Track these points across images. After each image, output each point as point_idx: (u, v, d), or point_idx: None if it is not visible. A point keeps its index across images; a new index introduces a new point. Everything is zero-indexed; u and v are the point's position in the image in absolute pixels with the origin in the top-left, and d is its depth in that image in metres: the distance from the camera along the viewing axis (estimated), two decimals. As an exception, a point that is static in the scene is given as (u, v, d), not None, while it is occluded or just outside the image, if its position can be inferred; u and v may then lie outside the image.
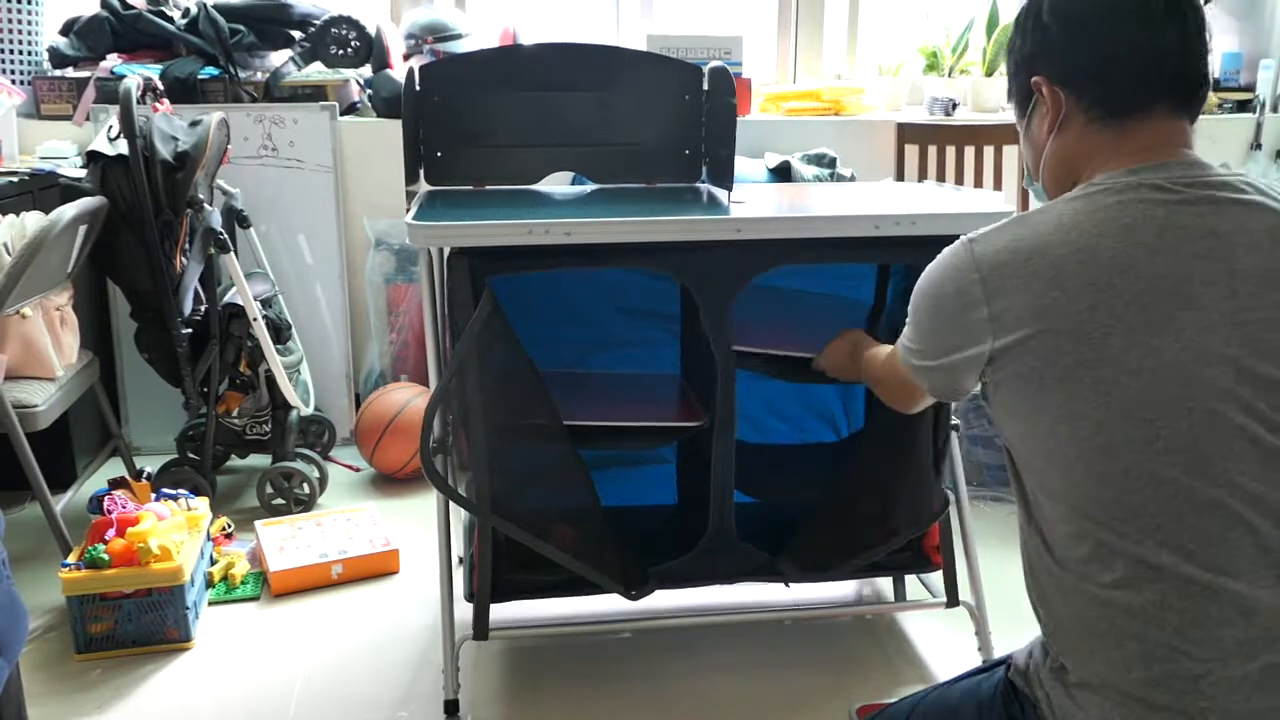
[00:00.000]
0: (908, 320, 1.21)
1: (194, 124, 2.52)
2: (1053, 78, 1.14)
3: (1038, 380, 1.04)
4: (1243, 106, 3.57)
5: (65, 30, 3.09)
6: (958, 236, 1.16)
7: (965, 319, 1.09)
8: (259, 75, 3.14)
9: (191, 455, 2.85)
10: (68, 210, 2.21)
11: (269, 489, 2.70)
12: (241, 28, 3.04)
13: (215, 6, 3.04)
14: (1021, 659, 1.18)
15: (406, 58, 3.16)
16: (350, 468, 3.03)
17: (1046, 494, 1.08)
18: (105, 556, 2.05)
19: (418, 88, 2.03)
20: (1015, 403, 1.08)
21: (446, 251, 1.74)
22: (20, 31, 3.06)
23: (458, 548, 2.15)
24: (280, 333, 2.72)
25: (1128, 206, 1.06)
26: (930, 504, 1.92)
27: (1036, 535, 1.11)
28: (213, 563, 2.38)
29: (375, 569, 2.41)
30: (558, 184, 2.23)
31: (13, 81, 2.99)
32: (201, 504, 2.34)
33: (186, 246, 2.44)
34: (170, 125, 2.50)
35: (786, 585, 1.97)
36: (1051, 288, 1.03)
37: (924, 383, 1.21)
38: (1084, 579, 1.04)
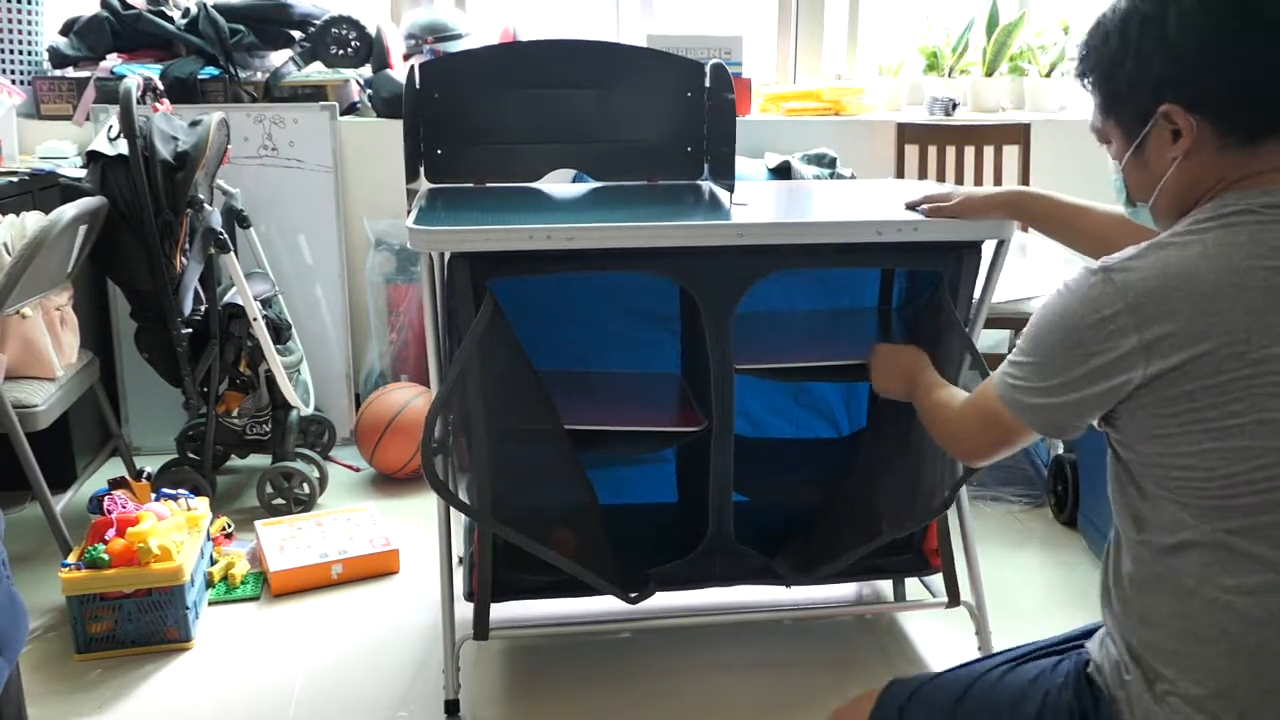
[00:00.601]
0: (1019, 358, 1.15)
1: (194, 124, 2.52)
2: (1187, 104, 1.08)
3: (1188, 401, 1.03)
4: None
5: (65, 30, 3.09)
6: (958, 240, 1.15)
7: (1109, 350, 1.06)
8: (259, 75, 3.13)
9: (191, 455, 2.85)
10: (68, 210, 2.21)
11: (269, 489, 2.70)
12: (241, 28, 3.04)
13: (215, 6, 3.04)
14: (1099, 655, 1.17)
15: (406, 58, 3.16)
16: (350, 468, 3.03)
17: (1180, 504, 1.06)
18: (105, 556, 2.05)
19: (418, 85, 2.02)
20: (1157, 424, 1.06)
21: (447, 255, 1.73)
22: (20, 31, 3.06)
23: (458, 547, 2.15)
24: (280, 333, 2.72)
25: (1271, 229, 1.05)
26: (928, 502, 1.92)
27: (1146, 546, 1.10)
28: (213, 563, 2.38)
29: (375, 569, 2.41)
30: (558, 181, 2.22)
31: (13, 81, 2.99)
32: (201, 504, 2.34)
33: (186, 246, 2.44)
34: (170, 125, 2.50)
35: (787, 587, 1.97)
36: (1207, 314, 1.02)
37: (1036, 421, 1.15)
38: (1204, 583, 1.04)
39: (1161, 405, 1.05)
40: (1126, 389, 1.06)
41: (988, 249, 1.83)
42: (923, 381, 1.54)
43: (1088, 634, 1.24)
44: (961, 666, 1.30)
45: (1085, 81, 1.19)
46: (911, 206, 1.80)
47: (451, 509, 1.92)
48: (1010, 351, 1.20)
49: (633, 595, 1.87)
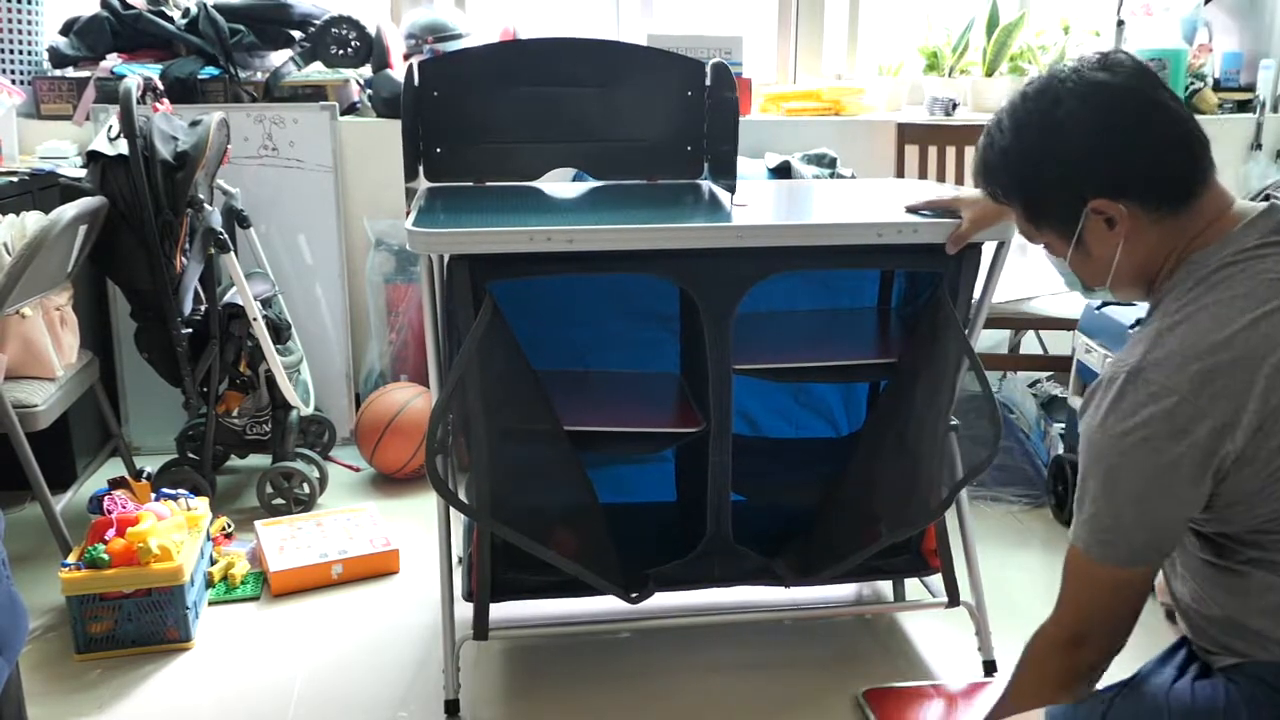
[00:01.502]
0: (1086, 513, 1.13)
1: (194, 124, 2.52)
2: (1111, 194, 1.13)
3: (1269, 452, 1.06)
4: (1243, 107, 3.57)
5: (65, 30, 3.09)
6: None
7: (1187, 446, 1.06)
8: (259, 75, 3.13)
9: (191, 455, 2.85)
10: (68, 210, 2.21)
11: (269, 489, 2.70)
12: (241, 28, 3.04)
13: (215, 6, 3.04)
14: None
15: (406, 57, 3.16)
16: (350, 468, 3.03)
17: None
18: (105, 556, 2.05)
19: (417, 83, 2.02)
20: (1251, 483, 1.08)
21: (447, 256, 1.73)
22: (20, 31, 3.06)
23: (458, 547, 2.15)
24: (280, 333, 2.72)
25: (1258, 277, 1.08)
26: (927, 505, 1.92)
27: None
28: (213, 563, 2.38)
29: (375, 569, 2.41)
30: (558, 180, 2.22)
31: (13, 81, 2.99)
32: (201, 504, 2.34)
33: (186, 246, 2.44)
34: (170, 125, 2.50)
35: (786, 588, 1.97)
36: (1253, 373, 1.04)
37: (1142, 563, 1.12)
38: None
39: (1247, 469, 1.07)
40: (1216, 474, 1.07)
41: (987, 249, 1.83)
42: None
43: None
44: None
45: (997, 193, 1.23)
46: (913, 210, 1.79)
47: (451, 510, 1.92)
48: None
49: (633, 595, 1.87)
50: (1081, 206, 1.14)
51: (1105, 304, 2.43)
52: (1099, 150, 1.12)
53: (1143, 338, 1.11)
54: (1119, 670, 1.27)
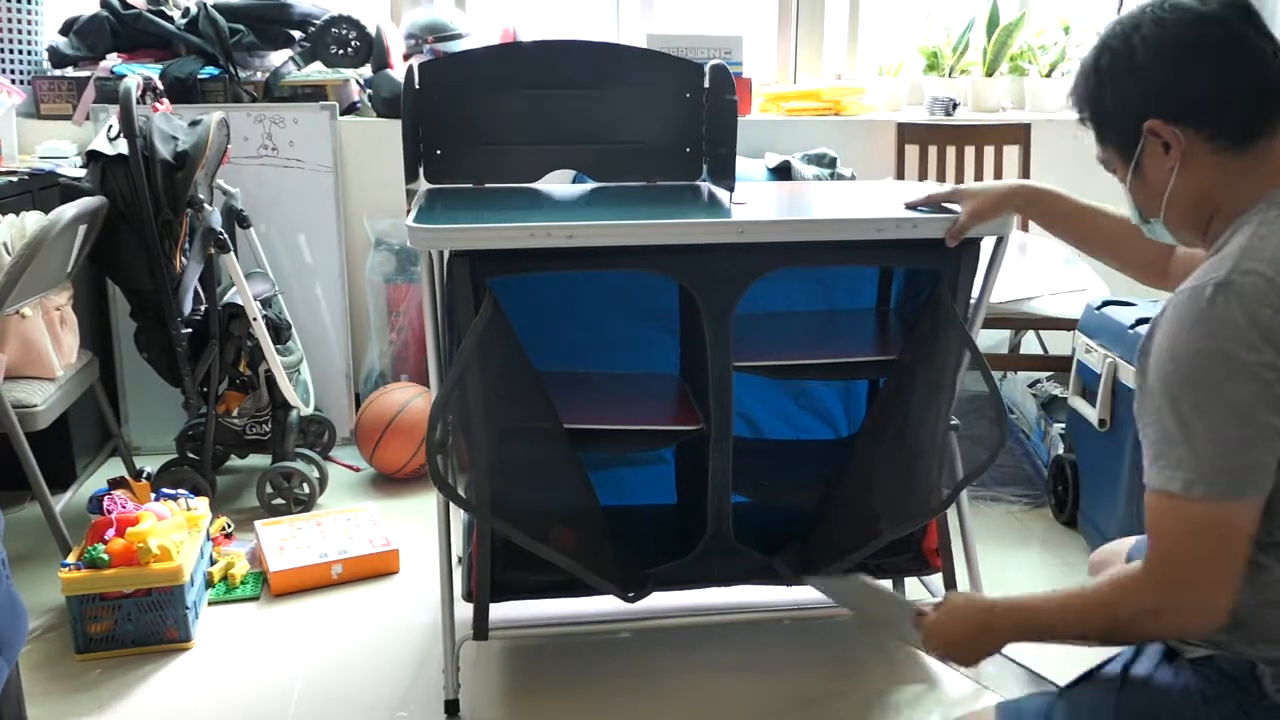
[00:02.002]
0: (1177, 450, 1.03)
1: (194, 124, 2.52)
2: (1168, 117, 1.14)
3: None
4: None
5: (65, 30, 3.09)
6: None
7: (1278, 358, 1.02)
8: (259, 75, 3.13)
9: (191, 455, 2.84)
10: (67, 210, 2.21)
11: (269, 489, 2.70)
12: (241, 27, 3.04)
13: (215, 6, 3.04)
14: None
15: (406, 57, 3.16)
16: (350, 468, 3.03)
17: None
18: (105, 556, 2.05)
19: (417, 85, 2.02)
20: None
21: (447, 253, 1.73)
22: (20, 31, 3.06)
23: (458, 548, 2.15)
24: (280, 333, 2.72)
25: None
26: (928, 502, 1.91)
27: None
28: (213, 563, 2.38)
29: (375, 569, 2.41)
30: (558, 182, 2.22)
31: (13, 81, 2.99)
32: (201, 504, 2.34)
33: (186, 246, 2.44)
34: (170, 125, 2.50)
35: (787, 586, 1.97)
36: None
37: (1255, 488, 1.02)
38: None
39: None
40: None
41: (986, 246, 1.83)
42: (1004, 606, 1.23)
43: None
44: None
45: (1082, 118, 1.26)
46: (912, 206, 1.79)
47: (451, 509, 1.92)
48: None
49: (631, 594, 1.87)
50: (1139, 126, 1.16)
51: (1106, 303, 2.43)
52: (1162, 72, 1.14)
53: (1224, 257, 1.08)
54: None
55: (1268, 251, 1.06)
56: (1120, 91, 1.18)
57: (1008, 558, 2.47)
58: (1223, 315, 1.03)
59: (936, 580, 2.07)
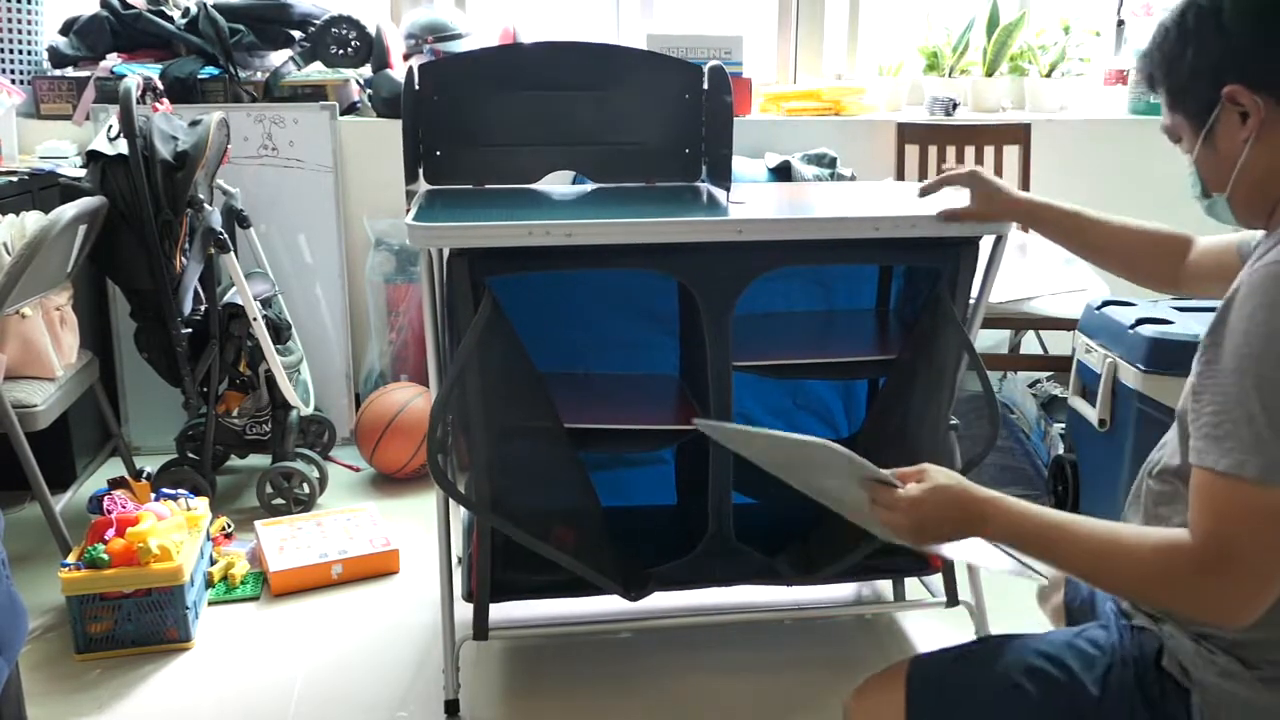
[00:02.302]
0: (1253, 433, 0.97)
1: (194, 124, 2.52)
2: (1250, 84, 1.09)
3: None
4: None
5: (65, 30, 3.09)
6: (956, 238, 1.13)
7: None
8: (259, 75, 3.13)
9: (191, 455, 2.85)
10: (67, 210, 2.21)
11: (269, 489, 2.70)
12: (241, 27, 3.04)
13: (215, 6, 3.04)
14: (1187, 653, 1.12)
15: (406, 57, 3.16)
16: (350, 468, 3.03)
17: None
18: (105, 556, 2.05)
19: (417, 87, 2.02)
20: None
21: (446, 252, 1.73)
22: (20, 31, 3.06)
23: (458, 548, 2.15)
24: (280, 333, 2.72)
25: None
26: None
27: None
28: (213, 563, 2.38)
29: (375, 569, 2.41)
30: (557, 183, 2.22)
31: (13, 81, 2.99)
32: (201, 504, 2.34)
33: (186, 246, 2.44)
34: (170, 125, 2.50)
35: (788, 585, 1.97)
36: None
37: None
38: None
39: None
40: None
41: (985, 244, 1.83)
42: (1007, 511, 1.13)
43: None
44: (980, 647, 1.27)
45: (1150, 81, 1.19)
46: (926, 192, 1.74)
47: (451, 509, 1.92)
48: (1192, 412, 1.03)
49: (632, 593, 1.87)
50: (1218, 93, 1.10)
51: (1106, 303, 2.43)
52: (1249, 36, 1.09)
53: None
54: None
55: None
56: (1202, 53, 1.11)
57: (1008, 558, 2.47)
58: None
59: (936, 579, 2.07)
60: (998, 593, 2.02)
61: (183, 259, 2.44)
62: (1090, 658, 1.17)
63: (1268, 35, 1.08)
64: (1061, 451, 2.67)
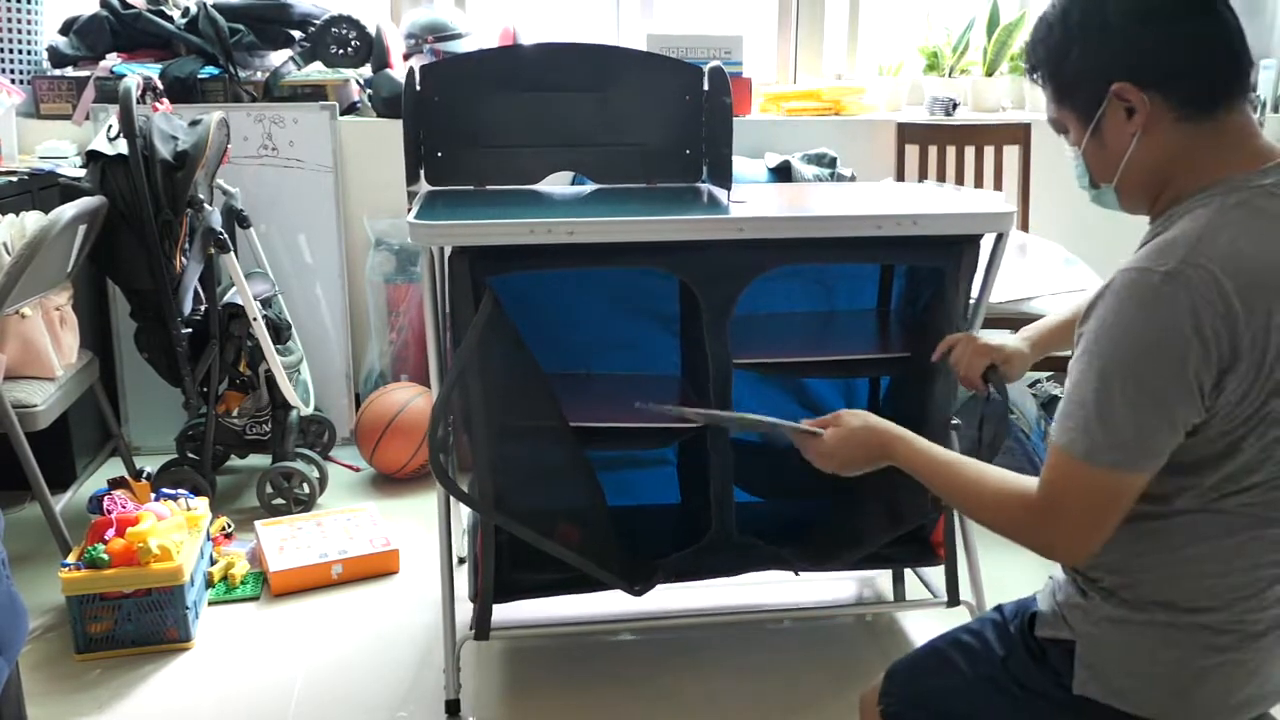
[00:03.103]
0: (1092, 415, 1.06)
1: (194, 124, 2.52)
2: (1136, 81, 1.12)
3: (1263, 395, 1.05)
4: (1243, 107, 3.57)
5: (65, 30, 3.09)
6: (957, 236, 1.14)
7: (1207, 357, 1.03)
8: (259, 75, 3.13)
9: (191, 455, 2.84)
10: (67, 210, 2.21)
11: (269, 489, 2.70)
12: (241, 27, 3.04)
13: (215, 6, 3.04)
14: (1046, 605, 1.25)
15: (406, 57, 3.16)
16: (350, 468, 3.03)
17: (1224, 476, 1.10)
18: (105, 556, 2.05)
19: (418, 88, 2.03)
20: (1225, 423, 1.07)
21: (448, 251, 1.73)
22: (20, 31, 3.06)
23: (458, 547, 2.15)
24: (280, 333, 2.71)
25: None
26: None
27: (1161, 514, 1.13)
28: (213, 563, 2.37)
29: (375, 569, 2.41)
30: (558, 185, 2.22)
31: (13, 81, 2.99)
32: (201, 504, 2.34)
33: (186, 246, 2.44)
34: (170, 125, 2.50)
35: (796, 574, 1.96)
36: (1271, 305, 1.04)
37: (1150, 467, 1.07)
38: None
39: (1246, 398, 1.05)
40: (1205, 395, 1.05)
41: (986, 243, 1.83)
42: (907, 448, 1.29)
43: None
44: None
45: (1035, 75, 1.23)
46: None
47: (452, 509, 1.92)
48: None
49: (637, 587, 1.87)
50: (1105, 89, 1.13)
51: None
52: (1136, 34, 1.12)
53: (1175, 243, 1.07)
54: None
55: (1220, 248, 1.05)
56: (1089, 51, 1.15)
57: (1008, 557, 2.46)
58: (1168, 305, 1.03)
59: (936, 579, 2.07)
60: (999, 591, 2.02)
61: (183, 259, 2.44)
62: (999, 625, 1.30)
63: (1154, 33, 1.11)
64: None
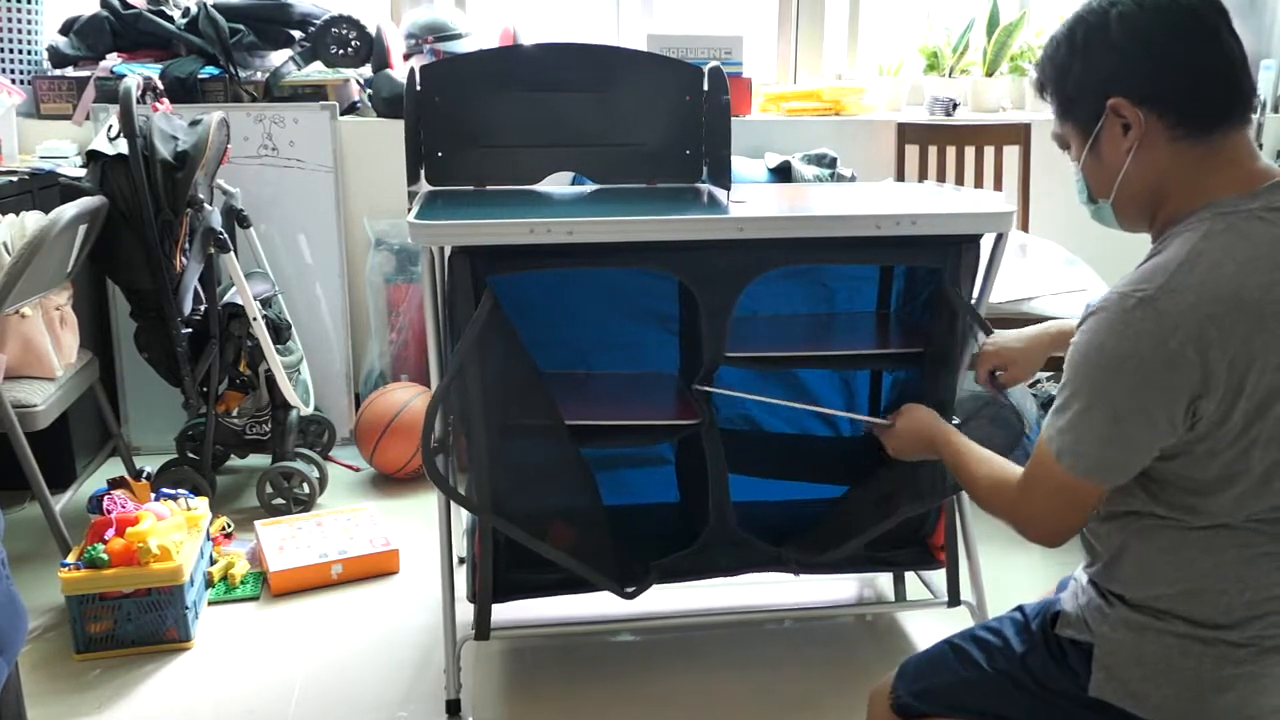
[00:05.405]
0: (1065, 421, 1.12)
1: (194, 124, 2.52)
2: (1134, 98, 1.14)
3: (1245, 418, 1.07)
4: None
5: (65, 30, 3.09)
6: (957, 236, 1.15)
7: (1172, 383, 1.06)
8: (259, 75, 3.13)
9: (191, 455, 2.85)
10: (68, 210, 2.21)
11: (269, 489, 2.70)
12: (241, 27, 3.04)
13: (215, 6, 3.04)
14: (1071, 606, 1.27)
15: (406, 57, 3.16)
16: (350, 468, 3.03)
17: (1237, 496, 1.12)
18: (105, 556, 2.05)
19: (419, 88, 2.03)
20: (1213, 445, 1.09)
21: (448, 251, 1.74)
22: (20, 31, 3.06)
23: (458, 548, 2.15)
24: (280, 333, 2.71)
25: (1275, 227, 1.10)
26: (943, 478, 1.90)
27: (1181, 528, 1.16)
28: (212, 563, 2.37)
29: (375, 569, 2.41)
30: (558, 184, 2.23)
31: (13, 81, 2.99)
32: (201, 504, 2.34)
33: (186, 246, 2.44)
34: (170, 125, 2.50)
35: (796, 575, 1.96)
36: (1259, 330, 1.05)
37: (1106, 480, 1.14)
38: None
39: (1217, 429, 1.08)
40: (1185, 420, 1.08)
41: (986, 242, 1.83)
42: (944, 439, 1.46)
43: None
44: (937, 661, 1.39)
45: (1043, 92, 1.26)
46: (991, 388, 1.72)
47: (452, 509, 1.92)
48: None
49: (629, 590, 1.87)
50: (1103, 103, 1.16)
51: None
52: (1135, 51, 1.14)
53: (1158, 268, 1.09)
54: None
55: (1199, 273, 1.07)
56: (1090, 67, 1.18)
57: (1008, 558, 2.47)
58: (1138, 330, 1.06)
59: (937, 580, 2.07)
60: (1000, 592, 2.02)
61: (183, 259, 2.44)
62: (1020, 623, 1.33)
63: (1150, 52, 1.14)
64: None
